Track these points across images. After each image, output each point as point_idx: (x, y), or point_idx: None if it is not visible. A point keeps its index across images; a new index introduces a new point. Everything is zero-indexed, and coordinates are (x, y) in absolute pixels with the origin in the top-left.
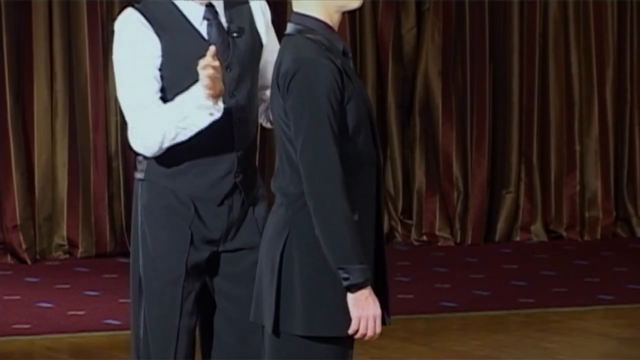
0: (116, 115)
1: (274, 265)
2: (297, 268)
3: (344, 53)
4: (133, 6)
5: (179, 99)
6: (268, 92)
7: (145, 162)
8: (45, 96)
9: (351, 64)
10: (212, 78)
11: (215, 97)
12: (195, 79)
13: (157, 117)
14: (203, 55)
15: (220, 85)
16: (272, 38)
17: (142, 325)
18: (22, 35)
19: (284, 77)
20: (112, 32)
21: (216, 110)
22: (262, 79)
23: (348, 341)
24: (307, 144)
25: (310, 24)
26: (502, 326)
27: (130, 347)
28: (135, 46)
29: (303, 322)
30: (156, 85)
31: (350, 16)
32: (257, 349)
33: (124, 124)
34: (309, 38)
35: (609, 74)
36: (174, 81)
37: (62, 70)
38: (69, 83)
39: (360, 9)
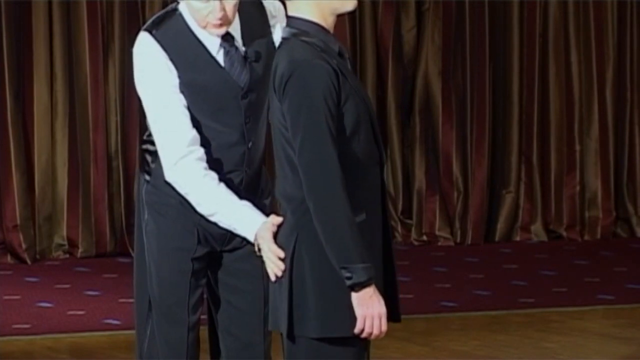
0: (116, 115)
1: (285, 270)
2: (308, 271)
3: (340, 54)
4: (150, 32)
5: (243, 210)
6: None
7: (153, 166)
8: (45, 96)
9: (348, 65)
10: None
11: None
12: (210, 106)
13: (210, 191)
14: (223, 86)
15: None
16: None
17: (149, 322)
18: (22, 35)
19: (280, 80)
20: (112, 32)
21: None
22: None
23: (363, 341)
24: (305, 145)
25: (305, 26)
26: (502, 326)
27: (135, 347)
28: (158, 80)
29: (316, 325)
30: (187, 114)
31: (350, 16)
32: (262, 339)
33: (124, 124)
34: (303, 41)
35: (609, 74)
36: (190, 108)
37: (62, 70)
38: (69, 83)
39: (360, 9)
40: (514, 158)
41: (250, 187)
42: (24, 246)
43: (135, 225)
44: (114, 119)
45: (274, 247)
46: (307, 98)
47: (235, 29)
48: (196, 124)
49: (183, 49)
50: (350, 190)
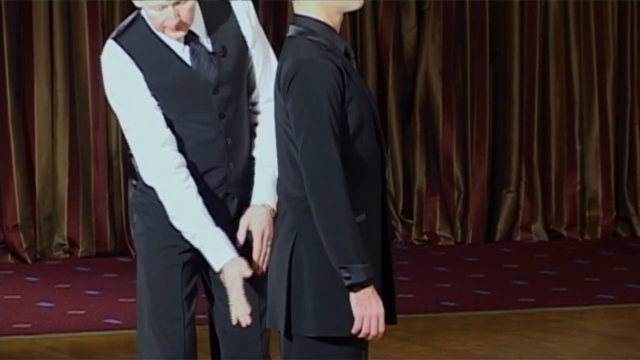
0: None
1: (283, 268)
2: (307, 270)
3: (346, 53)
4: (115, 39)
5: (214, 239)
6: (258, 99)
7: (138, 170)
8: (45, 96)
9: (354, 64)
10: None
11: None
12: (182, 105)
13: (185, 208)
14: (192, 84)
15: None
16: (258, 34)
17: (145, 319)
18: (22, 35)
19: (285, 79)
20: (112, 32)
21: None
22: (250, 81)
23: (360, 341)
24: (308, 144)
25: (311, 25)
26: (502, 326)
27: (137, 347)
28: (125, 86)
29: (314, 324)
30: (160, 115)
31: (350, 16)
32: (259, 337)
33: None
34: (309, 39)
35: (609, 74)
36: (163, 110)
37: (62, 70)
38: (69, 83)
39: (361, 9)
40: (514, 158)
41: (238, 183)
42: (24, 246)
43: (131, 229)
44: (115, 119)
45: (244, 301)
46: (311, 97)
47: (199, 27)
48: (170, 123)
49: (148, 52)
50: (351, 190)
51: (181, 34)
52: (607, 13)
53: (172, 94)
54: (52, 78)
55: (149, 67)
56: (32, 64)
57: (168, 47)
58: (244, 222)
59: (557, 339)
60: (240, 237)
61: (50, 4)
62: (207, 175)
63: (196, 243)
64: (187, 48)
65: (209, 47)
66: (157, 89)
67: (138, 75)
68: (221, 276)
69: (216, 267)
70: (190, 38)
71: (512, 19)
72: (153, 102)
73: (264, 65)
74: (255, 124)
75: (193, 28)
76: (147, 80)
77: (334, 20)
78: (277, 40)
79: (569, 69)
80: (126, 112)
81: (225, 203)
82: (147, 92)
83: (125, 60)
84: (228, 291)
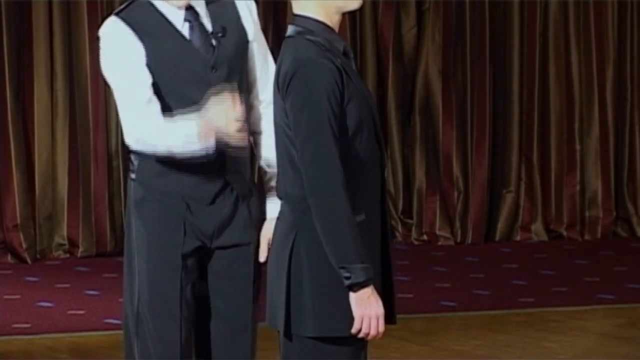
0: (116, 115)
1: (283, 268)
2: (306, 270)
3: (345, 53)
4: (117, 14)
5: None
6: (258, 97)
7: (137, 162)
8: (45, 96)
9: (353, 64)
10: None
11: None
12: (179, 80)
13: (161, 128)
14: (190, 58)
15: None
16: (259, 35)
17: (136, 319)
18: (22, 35)
19: (284, 78)
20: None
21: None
22: (249, 77)
23: (360, 341)
24: (307, 144)
25: (310, 25)
26: (502, 326)
27: (122, 346)
28: (122, 53)
29: (313, 324)
30: (149, 80)
31: (350, 16)
32: (245, 345)
33: None
34: (308, 39)
35: (609, 74)
36: (160, 83)
37: (62, 70)
38: (69, 83)
39: (360, 9)
40: (514, 158)
41: (237, 173)
42: (24, 246)
43: (125, 227)
44: (115, 118)
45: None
46: (310, 97)
47: (201, 7)
48: (166, 98)
49: (148, 24)
50: (351, 190)
51: (184, 1)
52: (607, 13)
53: (169, 67)
54: (52, 78)
55: (149, 38)
56: (32, 64)
57: (168, 20)
58: (264, 237)
59: (557, 339)
60: (263, 253)
61: (50, 4)
62: (203, 158)
63: (180, 144)
64: (186, 24)
65: (209, 26)
66: (156, 61)
67: (138, 46)
68: (196, 124)
69: (194, 129)
70: (191, 14)
71: (512, 19)
72: (147, 73)
73: (263, 66)
74: (258, 133)
75: (194, 4)
76: (146, 51)
77: (333, 20)
78: (277, 40)
79: (569, 69)
80: (116, 76)
81: (224, 194)
82: (143, 62)
83: (126, 31)
84: (209, 111)
